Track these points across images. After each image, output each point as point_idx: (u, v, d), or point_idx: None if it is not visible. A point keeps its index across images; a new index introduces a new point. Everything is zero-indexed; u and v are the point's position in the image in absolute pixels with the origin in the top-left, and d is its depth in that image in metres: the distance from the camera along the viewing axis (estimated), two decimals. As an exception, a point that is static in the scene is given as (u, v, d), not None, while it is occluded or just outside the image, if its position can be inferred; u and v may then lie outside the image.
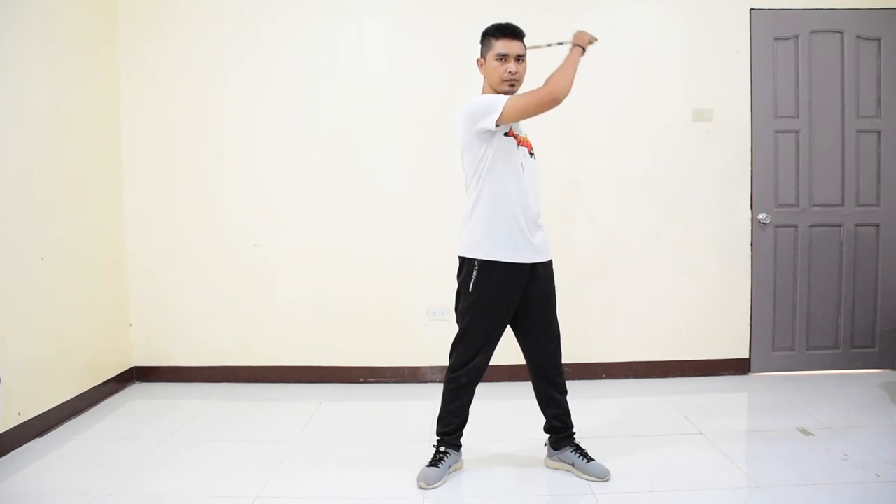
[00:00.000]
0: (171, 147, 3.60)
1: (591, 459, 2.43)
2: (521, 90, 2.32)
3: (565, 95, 2.18)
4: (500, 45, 2.30)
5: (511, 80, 2.30)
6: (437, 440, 2.48)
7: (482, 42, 2.39)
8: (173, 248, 3.62)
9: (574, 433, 2.50)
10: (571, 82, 2.20)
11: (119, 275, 3.57)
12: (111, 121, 3.52)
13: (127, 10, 3.55)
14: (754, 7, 3.54)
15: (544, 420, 2.50)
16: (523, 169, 2.31)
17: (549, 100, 2.17)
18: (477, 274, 2.29)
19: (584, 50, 2.31)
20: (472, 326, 2.35)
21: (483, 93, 2.38)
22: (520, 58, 2.32)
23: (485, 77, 2.39)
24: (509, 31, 2.32)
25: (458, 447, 2.48)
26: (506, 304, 2.33)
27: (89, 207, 3.31)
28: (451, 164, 3.52)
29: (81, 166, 3.25)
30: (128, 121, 3.59)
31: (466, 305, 2.34)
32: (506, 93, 2.30)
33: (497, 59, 2.30)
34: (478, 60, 2.41)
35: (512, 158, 2.28)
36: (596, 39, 2.35)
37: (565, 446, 2.47)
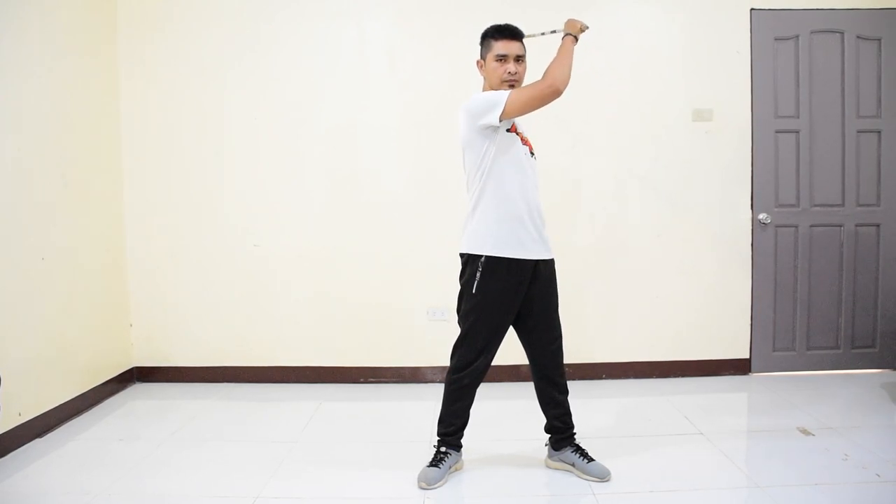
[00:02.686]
0: (171, 147, 3.60)
1: (591, 460, 2.43)
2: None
3: (565, 86, 2.19)
4: (500, 46, 2.30)
5: (511, 80, 2.30)
6: (438, 440, 2.47)
7: (481, 43, 2.39)
8: (173, 248, 3.62)
9: (575, 433, 2.49)
10: (569, 72, 2.21)
11: (119, 275, 3.57)
12: (111, 121, 3.52)
13: (127, 10, 3.55)
14: (755, 7, 3.54)
15: (545, 420, 2.50)
16: (523, 167, 2.31)
17: (549, 92, 2.17)
18: (481, 274, 2.28)
19: (576, 38, 2.31)
20: (474, 328, 2.34)
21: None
22: (519, 58, 2.32)
23: (485, 78, 2.39)
24: (508, 32, 2.32)
25: (458, 447, 2.48)
26: (508, 305, 2.33)
27: (89, 207, 3.31)
28: (452, 163, 3.52)
29: (81, 166, 3.25)
30: (128, 121, 3.59)
31: (469, 307, 2.33)
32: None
33: (497, 60, 2.31)
34: (477, 62, 2.42)
35: (515, 155, 2.28)
36: (587, 27, 2.36)
37: (566, 446, 2.47)
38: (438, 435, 2.47)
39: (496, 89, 2.30)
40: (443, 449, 2.45)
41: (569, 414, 2.47)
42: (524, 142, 2.34)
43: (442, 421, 2.46)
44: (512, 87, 2.29)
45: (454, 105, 3.54)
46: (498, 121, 2.21)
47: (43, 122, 2.97)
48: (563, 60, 2.22)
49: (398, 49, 3.56)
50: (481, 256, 2.28)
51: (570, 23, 2.35)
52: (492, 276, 2.28)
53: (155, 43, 3.56)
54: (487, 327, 2.34)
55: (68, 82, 3.14)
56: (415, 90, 3.55)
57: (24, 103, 2.84)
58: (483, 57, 2.38)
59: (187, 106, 3.58)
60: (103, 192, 3.45)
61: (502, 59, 2.30)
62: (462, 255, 2.37)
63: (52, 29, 3.02)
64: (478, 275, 2.28)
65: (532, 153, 2.37)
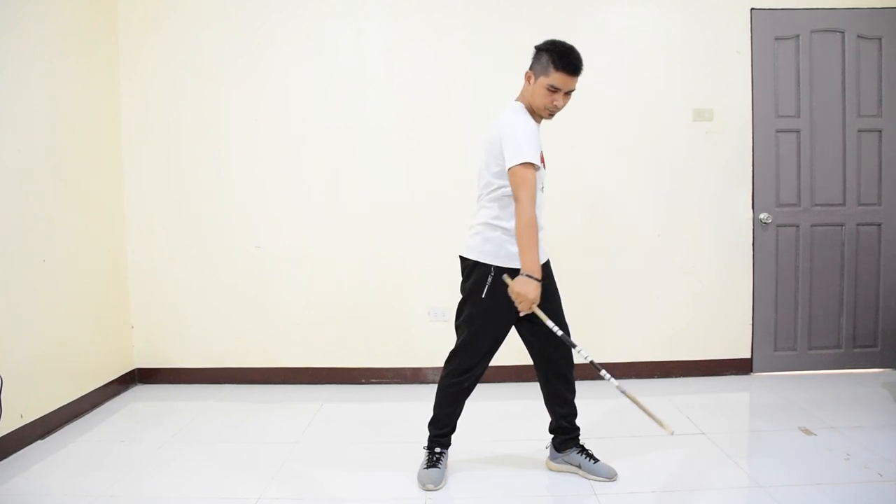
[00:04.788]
0: (171, 148, 3.60)
1: (597, 460, 2.43)
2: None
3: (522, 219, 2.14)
4: (557, 79, 2.18)
5: (553, 111, 2.25)
6: (431, 442, 2.48)
7: (538, 57, 2.24)
8: (174, 249, 3.62)
9: (580, 434, 2.49)
10: (521, 226, 2.14)
11: (120, 276, 3.57)
12: (111, 121, 3.52)
13: (127, 10, 3.55)
14: (755, 7, 3.54)
15: (551, 420, 2.50)
16: (542, 188, 2.31)
17: (520, 209, 2.14)
18: (493, 280, 2.25)
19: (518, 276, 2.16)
20: (481, 332, 2.33)
21: (519, 99, 2.31)
22: (569, 91, 2.23)
23: (528, 91, 2.27)
24: (571, 67, 2.17)
25: (448, 447, 2.50)
26: (514, 310, 2.31)
27: (90, 208, 3.31)
28: (451, 164, 3.54)
29: (81, 167, 3.25)
30: (128, 121, 3.59)
31: (477, 312, 2.31)
32: (542, 118, 2.28)
33: (548, 89, 2.20)
34: (526, 73, 2.27)
35: (537, 182, 2.23)
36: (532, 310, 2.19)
37: (571, 447, 2.47)
38: (433, 436, 2.47)
39: (536, 111, 2.25)
40: (437, 449, 2.46)
41: (575, 414, 2.47)
42: (542, 159, 2.29)
43: (436, 422, 2.47)
44: (551, 115, 2.26)
45: (452, 105, 3.58)
46: (505, 167, 2.17)
47: (43, 122, 2.97)
48: (522, 246, 2.15)
49: (396, 50, 3.56)
50: (492, 266, 2.26)
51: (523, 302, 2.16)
52: (502, 282, 2.26)
53: (154, 44, 3.56)
54: (493, 331, 2.34)
55: (68, 82, 3.14)
56: (413, 91, 3.55)
57: (24, 104, 2.84)
58: (534, 71, 2.24)
59: (187, 107, 3.58)
60: (103, 193, 3.45)
61: (554, 90, 2.20)
62: (467, 261, 2.35)
63: (51, 29, 3.02)
64: (489, 280, 2.26)
65: (544, 163, 2.35)
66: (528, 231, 2.12)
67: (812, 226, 3.61)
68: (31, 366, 2.84)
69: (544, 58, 2.20)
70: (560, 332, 2.22)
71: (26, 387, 2.79)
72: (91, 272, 3.30)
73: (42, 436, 2.88)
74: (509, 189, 2.21)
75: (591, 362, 2.20)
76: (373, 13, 3.55)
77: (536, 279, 2.13)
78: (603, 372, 2.19)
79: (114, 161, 3.55)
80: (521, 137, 2.16)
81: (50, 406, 2.96)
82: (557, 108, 2.25)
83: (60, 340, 3.05)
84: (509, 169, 2.16)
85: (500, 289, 2.26)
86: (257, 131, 3.58)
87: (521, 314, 2.21)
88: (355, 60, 3.55)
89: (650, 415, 2.14)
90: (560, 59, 2.17)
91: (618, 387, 2.17)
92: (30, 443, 2.80)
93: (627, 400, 3.28)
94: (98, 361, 3.35)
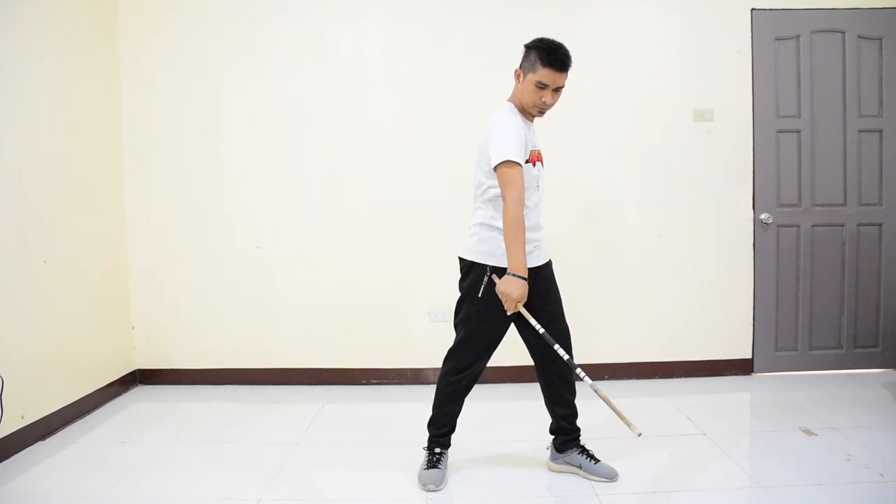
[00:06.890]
0: (170, 148, 3.59)
1: (597, 461, 2.43)
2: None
3: (511, 212, 2.12)
4: (545, 75, 2.16)
5: (542, 108, 2.24)
6: (431, 442, 2.48)
7: (526, 54, 2.23)
8: (174, 249, 3.62)
9: (580, 435, 2.49)
10: (506, 225, 2.13)
11: (120, 277, 3.57)
12: (111, 121, 3.52)
13: (127, 10, 3.55)
14: (755, 7, 3.54)
15: (551, 420, 2.50)
16: (538, 187, 2.31)
17: (510, 209, 2.12)
18: (489, 279, 2.26)
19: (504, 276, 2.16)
20: (478, 332, 2.33)
21: (510, 99, 2.31)
22: (558, 88, 2.22)
23: (518, 88, 2.27)
24: (559, 63, 2.16)
25: (448, 447, 2.50)
26: None
27: (90, 209, 3.31)
28: (451, 164, 3.53)
29: (82, 167, 3.25)
30: (128, 121, 3.58)
31: (474, 311, 2.31)
32: (534, 116, 2.28)
33: (536, 85, 2.19)
34: (516, 71, 2.27)
35: (530, 180, 2.25)
36: (517, 309, 2.20)
37: (571, 448, 2.46)
38: (432, 436, 2.47)
39: (526, 108, 2.25)
40: (437, 450, 2.46)
41: (576, 415, 2.47)
42: (537, 158, 2.30)
43: (435, 422, 2.47)
44: (541, 112, 2.26)
45: (452, 105, 3.58)
46: (492, 167, 2.18)
47: (43, 122, 2.97)
48: (508, 243, 2.15)
49: (396, 50, 3.56)
50: (489, 266, 2.26)
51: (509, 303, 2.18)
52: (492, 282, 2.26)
53: (154, 44, 3.56)
54: (490, 330, 2.34)
55: (68, 82, 3.14)
56: (413, 91, 3.55)
57: (24, 104, 2.84)
58: (523, 69, 2.24)
59: (187, 107, 3.57)
60: (104, 194, 3.45)
61: (542, 86, 2.19)
62: (464, 261, 2.35)
63: (51, 29, 3.02)
64: (486, 279, 2.26)
65: (542, 162, 2.35)
66: (513, 230, 2.12)
67: (813, 226, 3.61)
68: (32, 367, 2.84)
69: (532, 55, 2.21)
70: (542, 331, 2.22)
71: (27, 388, 2.79)
72: (91, 272, 3.30)
73: (43, 437, 2.88)
74: (497, 189, 2.21)
75: (568, 360, 2.25)
76: (373, 13, 3.55)
77: (522, 278, 2.13)
78: (579, 370, 2.22)
79: (114, 161, 3.54)
80: (505, 137, 2.16)
81: (51, 407, 2.96)
82: (546, 106, 2.24)
83: (61, 341, 3.05)
84: (495, 168, 2.17)
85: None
86: (257, 131, 3.58)
87: (508, 313, 2.22)
88: (355, 60, 3.55)
89: (620, 416, 2.14)
90: (547, 55, 2.16)
91: (591, 385, 2.18)
92: (30, 444, 2.80)
93: (628, 400, 3.30)
94: (99, 362, 3.35)
